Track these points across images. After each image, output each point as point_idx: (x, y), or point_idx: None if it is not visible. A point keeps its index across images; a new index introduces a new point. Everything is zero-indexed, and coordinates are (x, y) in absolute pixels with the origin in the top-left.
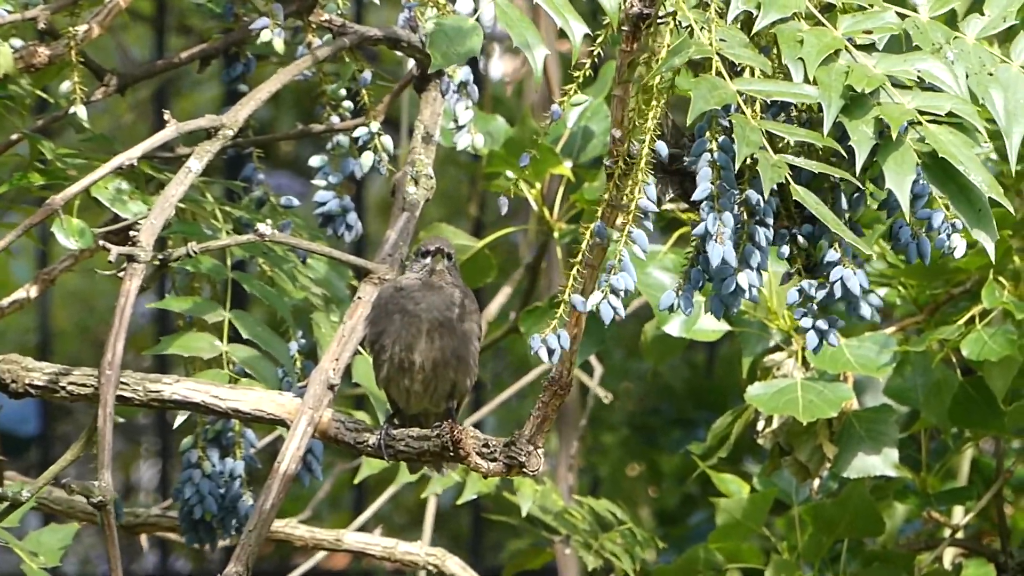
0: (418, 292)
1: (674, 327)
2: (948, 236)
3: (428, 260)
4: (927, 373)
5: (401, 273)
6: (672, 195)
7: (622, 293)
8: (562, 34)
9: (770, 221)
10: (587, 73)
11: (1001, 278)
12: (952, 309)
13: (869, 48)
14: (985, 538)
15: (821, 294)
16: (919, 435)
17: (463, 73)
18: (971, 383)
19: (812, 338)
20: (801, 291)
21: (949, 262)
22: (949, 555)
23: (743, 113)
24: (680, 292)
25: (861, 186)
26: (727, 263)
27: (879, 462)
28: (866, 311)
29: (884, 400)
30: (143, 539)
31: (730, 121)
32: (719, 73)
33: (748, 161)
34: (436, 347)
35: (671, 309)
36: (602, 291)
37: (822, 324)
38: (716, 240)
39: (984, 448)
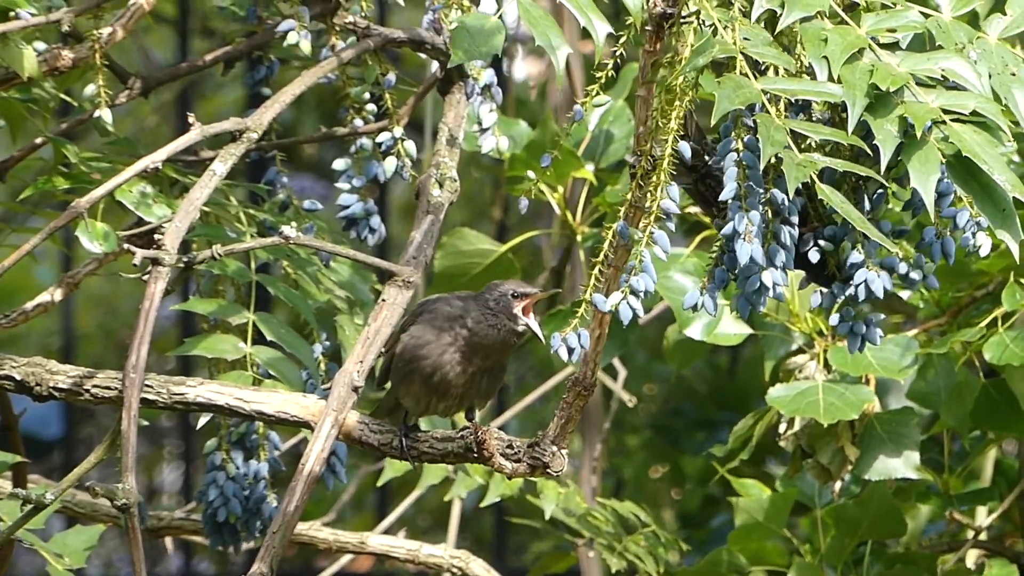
0: (488, 341)
1: (696, 331)
2: (973, 235)
3: (520, 309)
4: (949, 376)
5: (472, 304)
6: (686, 190)
7: (642, 294)
8: (586, 34)
9: (795, 220)
10: (609, 74)
11: (1023, 280)
12: (975, 311)
13: (893, 47)
14: (1008, 539)
15: (842, 296)
16: (942, 436)
17: (487, 76)
18: (993, 385)
19: (853, 342)
20: (822, 295)
21: (972, 264)
22: (972, 556)
23: (768, 112)
24: (704, 291)
25: (885, 183)
26: (755, 261)
27: (900, 464)
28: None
29: (907, 402)
30: (167, 542)
31: (755, 120)
32: (743, 72)
33: (773, 160)
34: (473, 385)
35: (695, 308)
36: (622, 291)
37: (859, 327)
38: (744, 239)
39: (1007, 450)
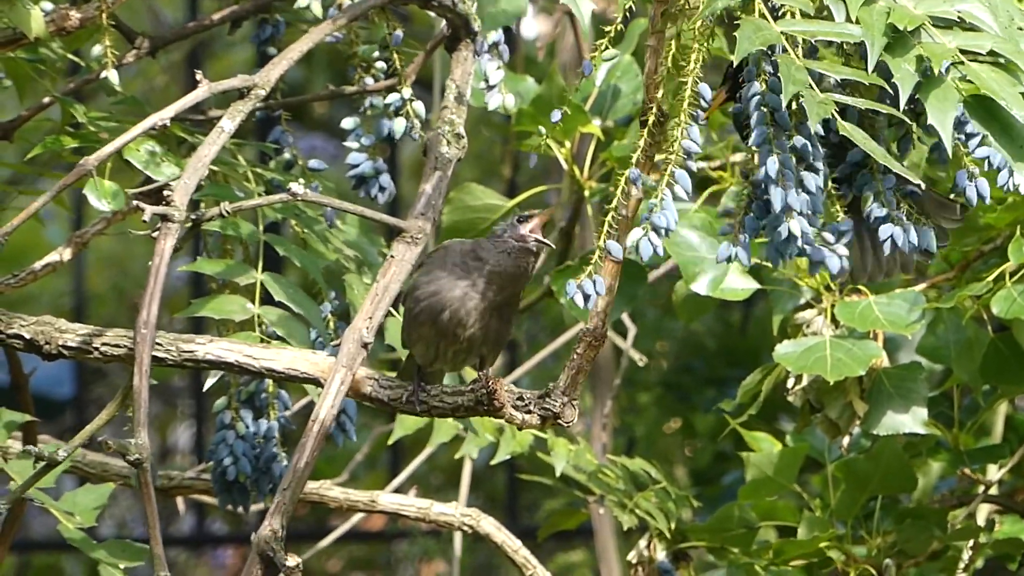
0: (501, 268)
1: (702, 286)
2: (1011, 173)
3: (527, 229)
4: (958, 330)
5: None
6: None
7: (663, 231)
8: None
9: (819, 166)
10: (618, 27)
11: None
12: (983, 265)
13: None
14: (1019, 495)
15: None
16: (952, 392)
17: (495, 33)
18: (1002, 340)
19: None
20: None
21: (979, 218)
22: (983, 512)
23: (788, 54)
24: (736, 243)
25: (903, 119)
26: (790, 207)
27: (908, 420)
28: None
29: (917, 358)
30: (179, 502)
31: (775, 62)
32: (762, 15)
33: (794, 106)
34: (484, 326)
35: (729, 260)
36: (643, 228)
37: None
38: (779, 184)
39: (1018, 405)
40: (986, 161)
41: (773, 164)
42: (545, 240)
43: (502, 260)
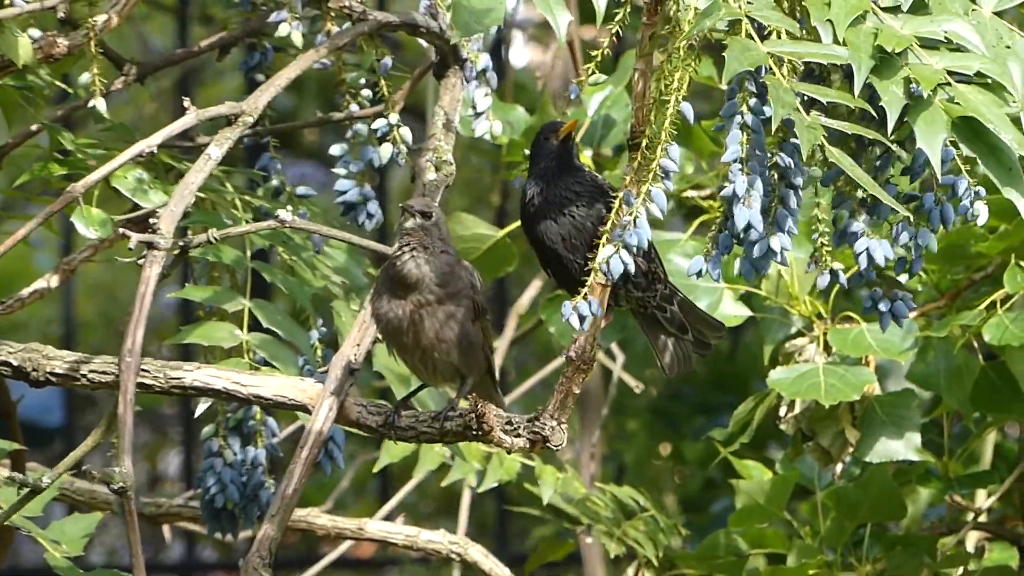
0: (391, 273)
1: None
2: (971, 203)
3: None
4: (949, 358)
5: None
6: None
7: (634, 249)
8: (586, 19)
9: (799, 182)
10: (607, 60)
11: (1023, 262)
12: (974, 294)
13: (894, 11)
14: (1008, 522)
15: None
16: (941, 419)
17: (483, 60)
18: (993, 368)
19: (884, 320)
20: (834, 273)
21: (970, 247)
22: (972, 539)
23: (774, 75)
24: (708, 258)
25: (891, 146)
26: (752, 226)
27: (901, 447)
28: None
29: (907, 385)
30: (166, 529)
31: (761, 84)
32: (749, 36)
33: (779, 124)
34: (430, 331)
35: (699, 275)
36: (615, 246)
37: (885, 304)
38: (744, 204)
39: (1007, 432)
40: (951, 189)
41: (742, 184)
42: (407, 224)
43: (389, 266)
